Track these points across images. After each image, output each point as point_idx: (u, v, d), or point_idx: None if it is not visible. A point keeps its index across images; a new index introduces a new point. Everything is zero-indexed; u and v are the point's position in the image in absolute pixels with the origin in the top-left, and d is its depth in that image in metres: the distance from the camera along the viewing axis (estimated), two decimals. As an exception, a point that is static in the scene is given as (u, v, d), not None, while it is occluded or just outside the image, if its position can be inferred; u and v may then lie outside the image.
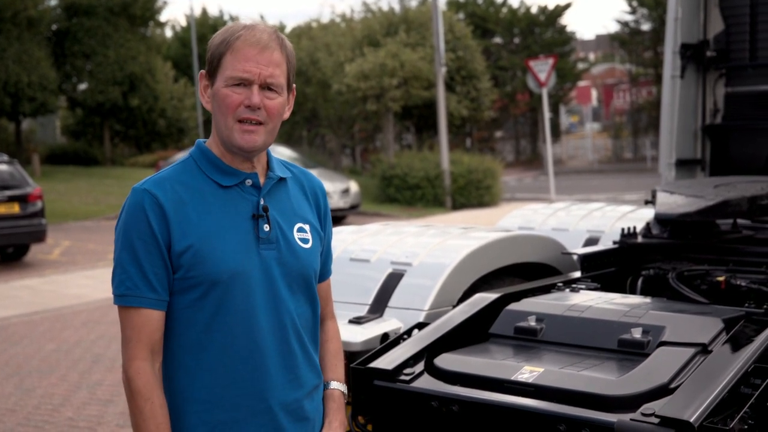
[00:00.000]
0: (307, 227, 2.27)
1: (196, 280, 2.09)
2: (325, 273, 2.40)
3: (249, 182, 2.18)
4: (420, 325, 3.14)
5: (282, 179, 2.26)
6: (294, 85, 2.26)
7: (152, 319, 2.09)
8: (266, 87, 2.12)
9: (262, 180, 2.21)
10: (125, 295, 2.09)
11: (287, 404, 2.18)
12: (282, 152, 21.13)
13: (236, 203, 2.16)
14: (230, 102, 2.11)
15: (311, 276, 2.26)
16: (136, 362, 2.08)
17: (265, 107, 2.12)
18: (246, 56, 2.10)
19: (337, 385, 2.38)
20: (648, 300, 3.31)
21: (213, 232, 2.10)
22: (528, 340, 2.97)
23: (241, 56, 2.10)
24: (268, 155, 2.27)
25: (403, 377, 2.76)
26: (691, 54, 4.85)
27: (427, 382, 2.74)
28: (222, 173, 2.17)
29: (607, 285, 3.70)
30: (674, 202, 3.90)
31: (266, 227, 2.16)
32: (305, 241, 2.24)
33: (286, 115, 2.23)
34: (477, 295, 3.30)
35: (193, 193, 2.13)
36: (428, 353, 2.89)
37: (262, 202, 2.18)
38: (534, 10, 39.90)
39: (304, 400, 2.23)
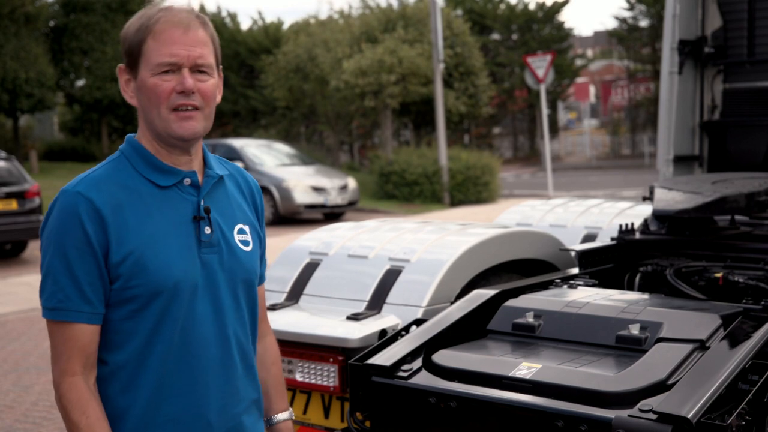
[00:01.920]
0: (247, 228, 2.13)
1: (138, 290, 1.94)
2: (262, 275, 2.25)
3: (188, 181, 2.03)
4: (418, 322, 3.14)
5: (220, 178, 2.11)
6: (221, 67, 2.09)
7: (86, 333, 1.94)
8: (197, 69, 1.97)
9: (200, 178, 2.06)
10: (57, 308, 1.93)
11: (226, 420, 2.06)
12: (280, 149, 21.15)
13: (175, 204, 2.01)
14: (161, 91, 1.95)
15: (254, 280, 2.14)
16: (69, 378, 1.94)
17: (199, 91, 1.97)
18: (171, 39, 1.95)
19: (288, 415, 2.31)
20: (646, 296, 3.31)
21: (154, 237, 1.96)
22: (526, 337, 2.97)
23: (166, 39, 1.95)
24: (204, 152, 2.11)
25: (401, 373, 2.77)
26: (689, 50, 4.85)
27: (425, 379, 2.74)
28: (159, 172, 2.01)
29: (604, 281, 3.70)
30: (672, 198, 3.90)
31: (207, 230, 2.02)
32: (246, 243, 2.11)
33: (218, 98, 2.08)
34: (475, 292, 3.30)
35: (131, 195, 1.97)
36: (426, 349, 2.90)
37: (203, 203, 2.04)
38: (532, 6, 39.88)
39: (242, 415, 2.10)
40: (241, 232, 2.11)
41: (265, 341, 2.30)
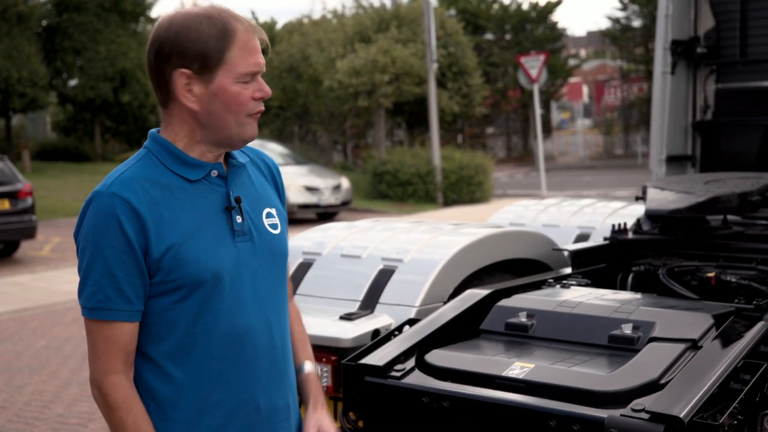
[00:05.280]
0: (274, 211, 2.18)
1: (179, 282, 1.99)
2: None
3: (215, 173, 2.08)
4: (411, 322, 3.14)
5: (241, 165, 2.16)
6: None
7: (126, 331, 1.99)
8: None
9: (225, 168, 2.12)
10: (97, 308, 1.97)
11: (275, 402, 2.11)
12: (273, 148, 21.12)
13: (206, 197, 2.06)
14: (244, 98, 2.02)
15: (285, 263, 2.19)
16: (112, 376, 1.98)
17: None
18: (254, 48, 2.02)
19: (312, 367, 2.29)
20: (638, 296, 3.32)
21: (190, 230, 2.01)
22: (519, 336, 2.98)
23: (251, 48, 2.02)
24: None
25: (394, 373, 2.76)
26: (681, 50, 4.86)
27: (418, 378, 2.74)
28: (187, 167, 2.05)
29: (597, 281, 3.71)
30: (665, 198, 3.91)
31: (239, 219, 2.08)
32: (275, 226, 2.16)
33: None
34: (468, 291, 3.30)
35: (163, 191, 2.02)
36: (419, 349, 2.90)
37: (232, 193, 2.09)
38: (525, 6, 39.88)
39: (289, 396, 2.16)
40: (269, 216, 2.16)
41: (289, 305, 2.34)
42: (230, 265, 2.04)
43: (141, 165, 2.05)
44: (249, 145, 2.21)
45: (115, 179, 2.01)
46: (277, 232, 2.16)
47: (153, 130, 2.11)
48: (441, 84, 25.71)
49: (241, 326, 2.05)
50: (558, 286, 3.42)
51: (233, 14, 2.05)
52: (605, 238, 4.15)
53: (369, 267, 3.60)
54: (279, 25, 36.48)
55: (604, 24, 67.06)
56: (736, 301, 3.15)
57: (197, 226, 2.02)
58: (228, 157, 2.13)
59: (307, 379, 2.27)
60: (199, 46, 1.98)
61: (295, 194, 18.31)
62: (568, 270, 3.84)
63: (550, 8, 39.61)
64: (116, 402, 1.98)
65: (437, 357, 2.82)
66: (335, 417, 3.30)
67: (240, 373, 2.06)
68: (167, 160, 2.05)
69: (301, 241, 3.95)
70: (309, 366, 2.29)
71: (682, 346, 2.67)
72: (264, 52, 2.07)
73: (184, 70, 1.99)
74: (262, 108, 2.07)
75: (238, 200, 2.08)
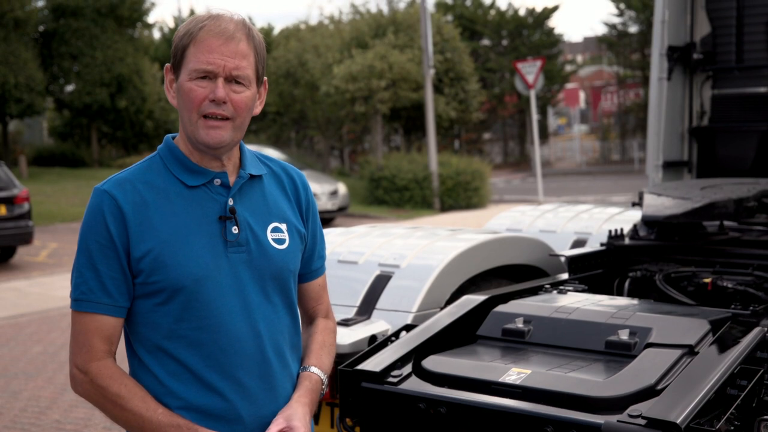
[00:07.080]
0: (283, 226, 2.15)
1: (158, 285, 2.01)
2: (315, 271, 2.30)
3: (218, 181, 2.08)
4: (408, 327, 3.13)
5: (255, 177, 2.15)
6: (265, 78, 2.14)
7: (107, 324, 2.02)
8: (232, 80, 2.01)
9: (232, 179, 2.10)
10: (80, 299, 2.02)
11: (262, 416, 2.08)
12: (270, 154, 21.06)
13: (203, 204, 2.06)
14: (194, 96, 2.00)
15: (287, 278, 2.15)
16: (96, 362, 2.01)
17: (231, 101, 2.01)
18: (210, 47, 1.99)
19: (317, 371, 2.21)
20: (635, 302, 3.32)
21: (175, 235, 2.01)
22: (515, 342, 2.97)
23: (205, 47, 1.99)
24: (242, 151, 2.16)
25: (390, 379, 2.76)
26: (678, 56, 4.87)
27: (414, 384, 2.74)
28: (189, 172, 2.07)
29: (594, 287, 3.71)
30: (661, 203, 3.91)
31: (234, 229, 2.06)
32: (281, 241, 2.13)
33: (257, 110, 2.12)
34: (464, 297, 3.30)
35: (157, 194, 2.04)
36: (416, 355, 2.89)
37: (230, 203, 2.07)
38: (522, 12, 39.97)
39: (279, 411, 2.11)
40: (275, 230, 2.14)
41: (316, 320, 2.32)
42: (216, 273, 2.03)
43: (143, 167, 2.10)
44: (278, 159, 2.26)
45: (113, 178, 2.07)
46: (282, 247, 2.13)
47: (168, 135, 2.15)
48: (438, 89, 25.75)
49: (225, 336, 2.04)
50: (555, 291, 3.42)
51: (220, 16, 2.04)
52: (602, 244, 4.15)
53: (366, 273, 3.59)
54: (276, 31, 36.55)
55: (601, 30, 67.14)
56: (732, 306, 3.15)
57: (185, 232, 2.03)
58: (240, 167, 2.14)
59: (306, 376, 2.20)
60: (174, 44, 2.07)
61: (292, 200, 18.30)
62: (565, 276, 3.84)
63: (546, 14, 39.69)
64: (105, 379, 2.01)
65: (434, 363, 2.82)
66: (332, 423, 3.30)
67: (221, 381, 2.05)
68: (171, 164, 2.08)
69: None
70: (312, 369, 2.21)
71: (678, 352, 2.67)
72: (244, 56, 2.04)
73: (167, 65, 2.08)
74: (219, 112, 2.01)
75: (232, 211, 2.07)
